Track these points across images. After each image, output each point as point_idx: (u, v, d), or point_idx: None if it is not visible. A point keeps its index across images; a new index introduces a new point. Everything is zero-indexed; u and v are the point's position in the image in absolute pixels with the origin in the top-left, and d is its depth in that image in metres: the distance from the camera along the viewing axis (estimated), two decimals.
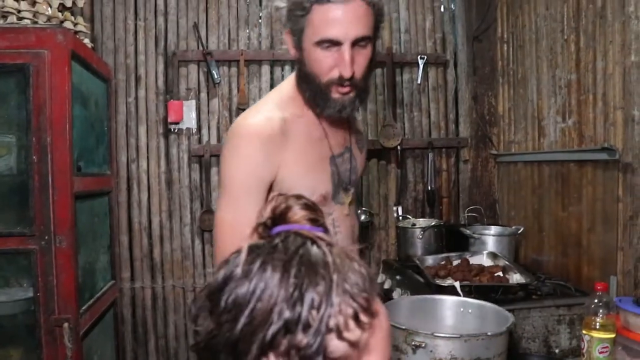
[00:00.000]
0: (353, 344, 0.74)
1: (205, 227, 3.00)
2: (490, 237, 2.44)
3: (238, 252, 0.77)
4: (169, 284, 3.05)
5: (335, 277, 0.73)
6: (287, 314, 0.71)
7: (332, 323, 0.72)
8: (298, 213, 0.81)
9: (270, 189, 1.34)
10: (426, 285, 2.13)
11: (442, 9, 3.24)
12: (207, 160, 2.99)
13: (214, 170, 3.01)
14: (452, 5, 3.26)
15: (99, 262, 2.53)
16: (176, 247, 3.05)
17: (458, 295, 1.87)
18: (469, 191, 3.13)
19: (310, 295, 0.71)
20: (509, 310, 1.96)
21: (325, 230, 0.83)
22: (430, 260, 2.30)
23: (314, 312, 0.71)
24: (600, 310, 1.71)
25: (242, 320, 0.72)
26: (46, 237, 1.98)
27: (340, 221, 1.46)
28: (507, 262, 2.22)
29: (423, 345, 1.44)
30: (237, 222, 1.27)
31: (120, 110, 2.98)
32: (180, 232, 3.05)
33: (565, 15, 2.45)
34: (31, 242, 1.97)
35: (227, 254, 0.84)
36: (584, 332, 1.74)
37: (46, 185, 1.97)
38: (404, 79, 3.17)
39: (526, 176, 2.80)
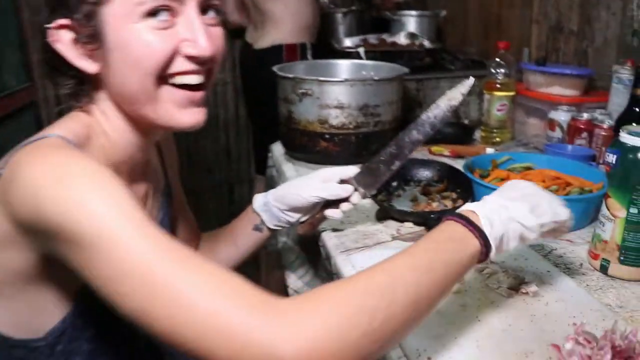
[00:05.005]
0: None
1: None
2: (412, 19, 2.37)
3: None
4: None
5: None
6: None
7: None
8: None
9: None
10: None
11: None
12: None
13: None
14: None
15: (6, 61, 2.42)
16: None
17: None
18: None
19: None
20: (419, 80, 1.96)
21: None
22: (347, 41, 2.24)
23: None
24: (501, 70, 1.71)
25: None
26: None
27: None
28: (425, 41, 2.18)
29: (310, 92, 1.43)
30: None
31: None
32: None
33: None
34: None
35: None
36: (484, 92, 1.76)
37: None
38: None
39: None
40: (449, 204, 1.18)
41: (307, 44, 2.32)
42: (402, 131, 1.00)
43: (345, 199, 1.01)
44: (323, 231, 1.13)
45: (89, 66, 0.78)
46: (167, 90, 0.79)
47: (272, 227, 1.08)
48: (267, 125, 2.22)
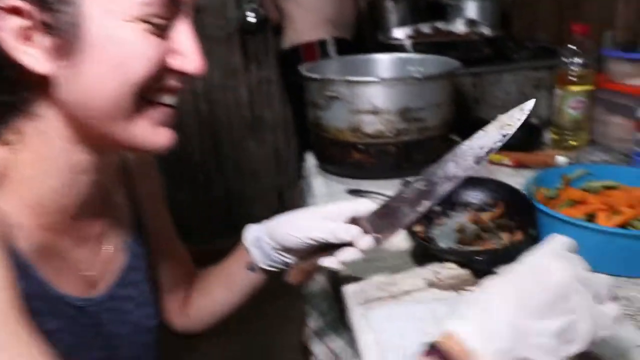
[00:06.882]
0: None
1: None
2: (472, 3, 2.07)
3: None
4: None
5: None
6: None
7: None
8: None
9: None
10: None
11: None
12: None
13: None
14: None
15: None
16: None
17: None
18: None
19: None
20: (476, 74, 1.69)
21: None
22: (397, 32, 1.98)
23: None
24: (577, 59, 1.42)
25: None
26: None
27: None
28: (486, 29, 1.89)
29: (339, 96, 1.20)
30: None
31: None
32: None
33: None
34: None
35: None
36: (556, 87, 1.47)
37: None
38: None
39: None
40: (505, 237, 0.92)
41: (328, 40, 2.09)
42: (435, 163, 0.76)
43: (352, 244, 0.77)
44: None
45: (39, 65, 0.59)
46: (143, 106, 0.64)
47: (265, 267, 0.87)
48: (300, 130, 2.04)
